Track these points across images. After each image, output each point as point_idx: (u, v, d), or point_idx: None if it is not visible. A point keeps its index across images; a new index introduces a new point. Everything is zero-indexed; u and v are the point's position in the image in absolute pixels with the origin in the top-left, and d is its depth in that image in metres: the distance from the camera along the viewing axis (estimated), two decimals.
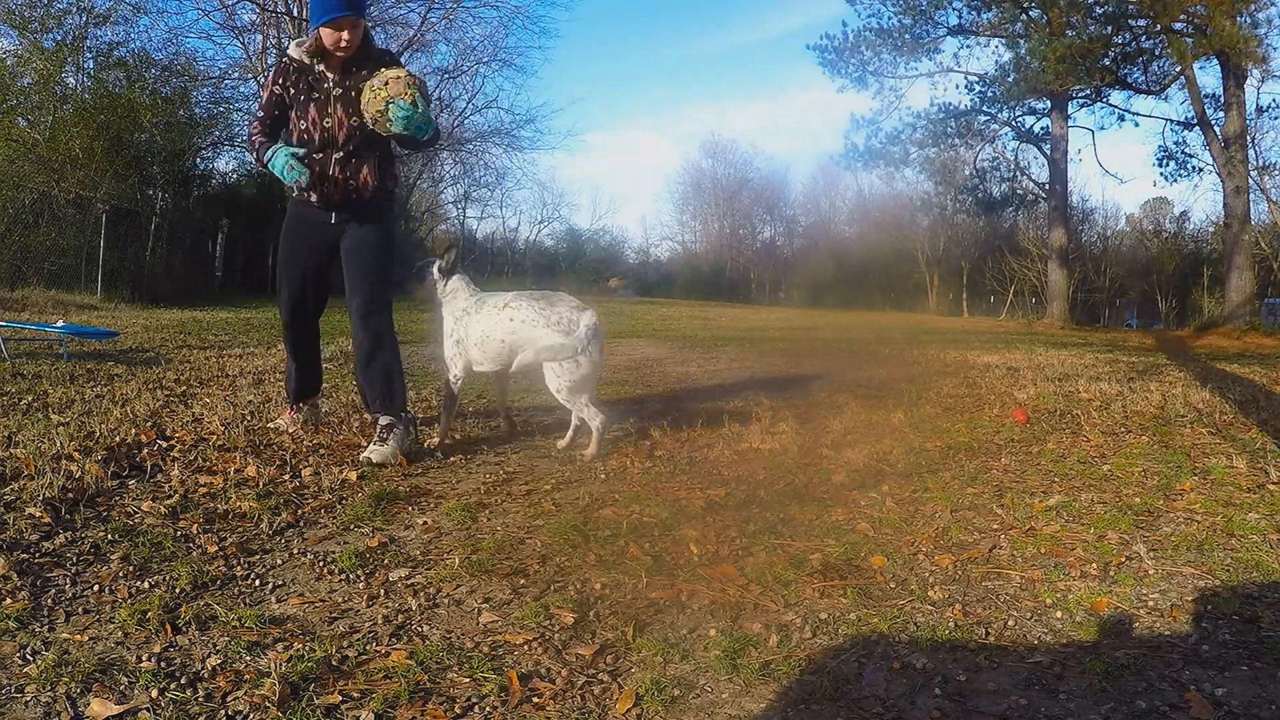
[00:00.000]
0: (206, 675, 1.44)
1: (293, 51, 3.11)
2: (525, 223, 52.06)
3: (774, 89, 79.81)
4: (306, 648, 1.55)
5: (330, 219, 3.15)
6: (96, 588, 1.79)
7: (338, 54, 3.04)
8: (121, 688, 1.39)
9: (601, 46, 71.04)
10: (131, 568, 1.89)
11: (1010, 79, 19.39)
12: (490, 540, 2.19)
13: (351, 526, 2.29)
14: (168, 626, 1.61)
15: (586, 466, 3.02)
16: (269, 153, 3.00)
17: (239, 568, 1.95)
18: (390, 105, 2.87)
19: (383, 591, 1.85)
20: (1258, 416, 4.07)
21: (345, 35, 2.99)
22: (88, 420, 3.30)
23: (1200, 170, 20.92)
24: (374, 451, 2.99)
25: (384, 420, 3.11)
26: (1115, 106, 21.29)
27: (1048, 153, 22.06)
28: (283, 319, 3.34)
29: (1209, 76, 29.48)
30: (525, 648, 1.60)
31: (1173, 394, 4.79)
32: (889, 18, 21.10)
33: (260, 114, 3.10)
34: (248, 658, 1.51)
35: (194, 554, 2.00)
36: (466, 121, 26.26)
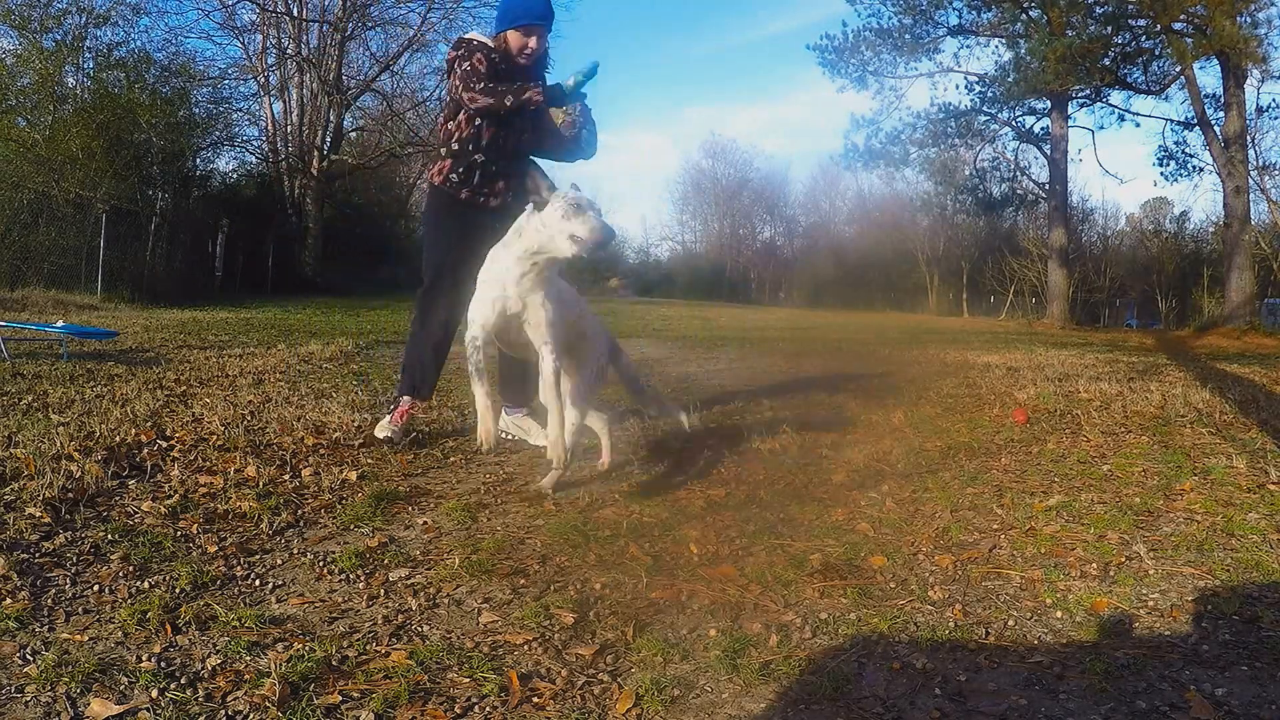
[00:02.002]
0: (206, 675, 1.44)
1: (490, 43, 3.04)
2: None
3: (774, 89, 79.92)
4: (306, 648, 1.55)
5: (492, 222, 3.13)
6: (96, 588, 1.78)
7: (520, 61, 3.02)
8: (121, 688, 1.39)
9: (601, 46, 71.10)
10: (131, 568, 1.89)
11: (1010, 79, 19.39)
12: (490, 540, 2.19)
13: (351, 526, 2.29)
14: (168, 626, 1.61)
15: (586, 466, 3.01)
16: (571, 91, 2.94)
17: (239, 568, 1.95)
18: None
19: (383, 591, 1.85)
20: (1258, 416, 4.07)
21: (532, 43, 3.00)
22: (88, 420, 3.30)
23: (1200, 170, 20.95)
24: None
25: None
26: (1115, 106, 21.32)
27: (1048, 153, 22.06)
28: (451, 314, 3.18)
29: (1209, 76, 29.47)
30: (525, 648, 1.60)
31: (1173, 394, 4.79)
32: (889, 18, 21.12)
33: (483, 82, 2.90)
34: (248, 658, 1.51)
35: (194, 554, 2.00)
36: None
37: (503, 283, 2.48)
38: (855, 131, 22.65)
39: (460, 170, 3.15)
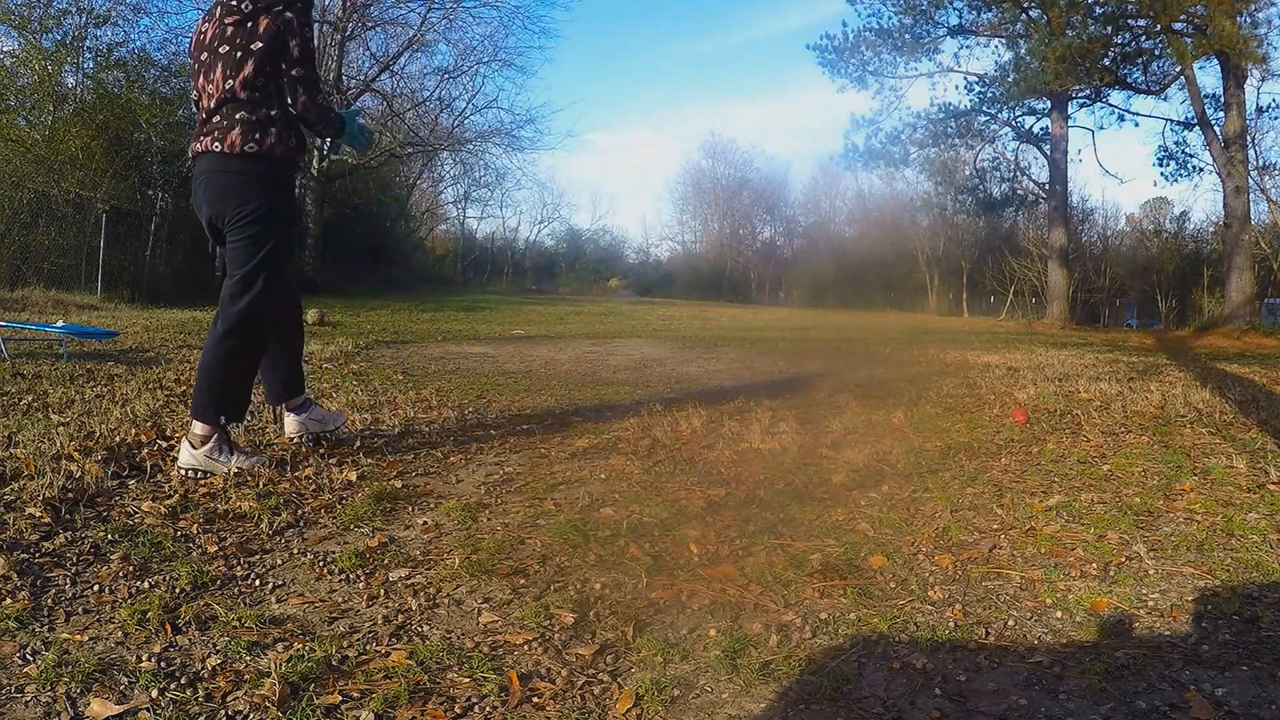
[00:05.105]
0: (206, 675, 1.44)
1: None
2: (525, 223, 52.25)
3: (775, 89, 79.96)
4: (306, 648, 1.55)
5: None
6: (96, 588, 1.79)
7: None
8: (121, 688, 1.39)
9: (602, 46, 71.15)
10: (131, 568, 1.89)
11: (1010, 79, 19.37)
12: (490, 540, 2.18)
13: (351, 526, 2.29)
14: (168, 626, 1.61)
15: (587, 466, 3.01)
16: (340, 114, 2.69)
17: (239, 568, 1.95)
18: None
19: (383, 591, 1.85)
20: (1258, 416, 4.07)
21: None
22: (88, 420, 3.30)
23: (1200, 170, 20.91)
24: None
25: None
26: (1115, 106, 21.29)
27: (1048, 153, 22.04)
28: (278, 300, 2.79)
29: (1209, 76, 29.53)
30: (525, 648, 1.60)
31: (1173, 394, 4.79)
32: (889, 18, 21.10)
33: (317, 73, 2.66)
34: (248, 658, 1.51)
35: (194, 554, 2.00)
36: (467, 121, 26.19)
37: None
38: (855, 131, 22.65)
39: (292, 134, 2.68)
